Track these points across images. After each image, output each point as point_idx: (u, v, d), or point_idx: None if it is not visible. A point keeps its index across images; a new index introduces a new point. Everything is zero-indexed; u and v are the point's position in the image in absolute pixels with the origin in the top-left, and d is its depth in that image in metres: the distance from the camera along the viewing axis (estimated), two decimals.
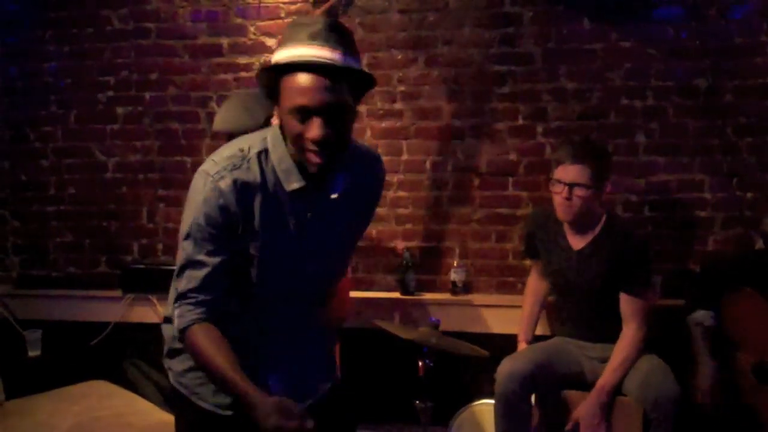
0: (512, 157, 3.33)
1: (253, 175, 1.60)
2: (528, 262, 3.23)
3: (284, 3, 3.42)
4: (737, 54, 3.13)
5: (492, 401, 2.69)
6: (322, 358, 1.91)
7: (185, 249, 1.60)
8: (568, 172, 2.62)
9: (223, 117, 2.49)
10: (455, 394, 3.11)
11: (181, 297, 1.60)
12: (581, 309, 2.79)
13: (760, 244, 3.15)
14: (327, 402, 1.88)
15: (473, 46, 3.31)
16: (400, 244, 3.44)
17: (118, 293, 3.55)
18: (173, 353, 1.82)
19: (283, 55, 1.52)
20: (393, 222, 3.44)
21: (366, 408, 3.00)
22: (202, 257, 1.58)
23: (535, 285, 3.03)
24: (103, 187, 3.64)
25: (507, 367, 2.63)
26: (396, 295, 3.39)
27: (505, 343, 3.00)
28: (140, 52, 3.55)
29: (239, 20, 3.46)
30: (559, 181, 2.64)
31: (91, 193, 3.65)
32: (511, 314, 3.14)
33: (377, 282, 3.48)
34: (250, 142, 1.65)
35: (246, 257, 1.65)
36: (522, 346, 2.96)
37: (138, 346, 3.53)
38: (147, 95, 3.56)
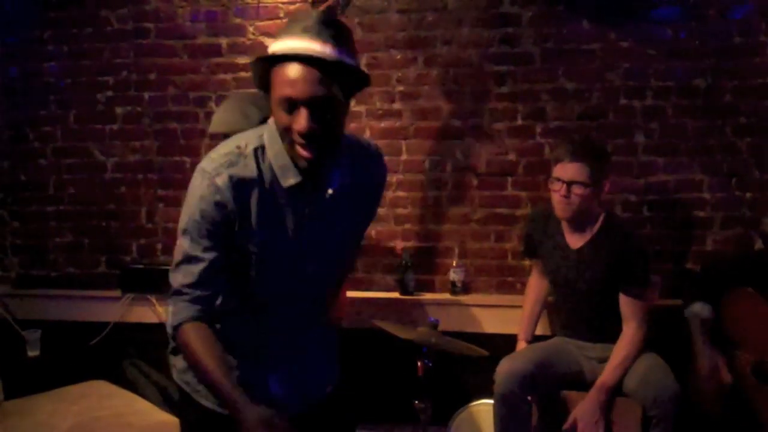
0: (511, 157, 3.33)
1: (250, 171, 1.60)
2: (528, 261, 3.23)
3: (283, 3, 3.42)
4: (737, 54, 3.13)
5: (491, 401, 2.69)
6: (324, 360, 1.90)
7: (182, 245, 1.61)
8: (566, 170, 2.62)
9: (219, 119, 2.50)
10: (454, 394, 3.11)
11: (176, 293, 1.60)
12: (580, 309, 2.79)
13: (759, 244, 3.15)
14: (328, 402, 1.88)
15: (472, 46, 3.31)
16: (399, 244, 3.44)
17: (117, 293, 3.56)
18: (177, 350, 1.81)
19: (275, 47, 1.53)
20: (392, 222, 3.44)
21: (365, 408, 3.00)
22: (198, 253, 1.58)
23: (536, 284, 3.03)
24: (103, 187, 3.64)
25: (506, 367, 2.63)
26: (395, 295, 3.39)
27: (505, 343, 3.00)
28: (139, 52, 3.55)
29: (238, 20, 3.46)
30: (558, 179, 2.64)
31: (90, 193, 3.65)
32: (511, 314, 3.15)
33: (376, 282, 3.48)
34: (247, 139, 1.65)
35: (244, 255, 1.65)
36: (521, 344, 2.96)
37: (137, 346, 3.54)
38: (146, 95, 3.56)
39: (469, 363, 2.90)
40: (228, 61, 3.49)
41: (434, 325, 2.53)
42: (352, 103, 3.54)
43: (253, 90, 1.69)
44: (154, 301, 3.43)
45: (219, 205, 1.58)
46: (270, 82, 1.54)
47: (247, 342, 1.76)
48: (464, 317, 3.33)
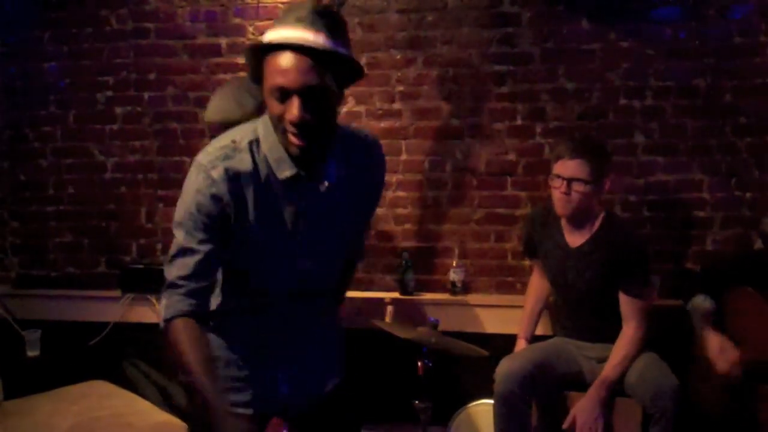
0: (511, 157, 3.33)
1: (245, 164, 1.60)
2: (528, 261, 3.23)
3: (282, 3, 3.41)
4: (736, 54, 3.13)
5: (491, 401, 2.69)
6: (329, 357, 1.90)
7: (177, 238, 1.60)
8: (567, 167, 2.62)
9: (214, 107, 2.52)
10: (454, 394, 3.11)
11: (171, 286, 1.58)
12: (579, 308, 2.79)
13: (759, 243, 3.15)
14: (332, 401, 1.88)
15: (472, 46, 3.31)
16: (399, 245, 3.44)
17: (117, 293, 3.56)
18: None
19: (269, 36, 1.52)
20: (392, 222, 3.44)
21: (365, 408, 3.00)
22: (194, 245, 1.58)
23: (537, 283, 3.03)
24: (102, 187, 3.64)
25: (506, 367, 2.63)
26: (395, 295, 3.39)
27: (504, 343, 3.00)
28: (139, 52, 3.55)
29: (238, 20, 3.46)
30: (558, 176, 2.64)
31: (90, 193, 3.65)
32: (510, 314, 3.15)
33: (376, 282, 3.48)
34: (242, 133, 1.65)
35: (241, 249, 1.65)
36: (521, 343, 2.96)
37: (137, 346, 3.53)
38: (146, 95, 3.56)
39: (469, 363, 2.91)
40: (228, 61, 3.49)
41: (434, 325, 2.53)
42: (352, 103, 3.57)
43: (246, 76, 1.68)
44: (154, 301, 3.43)
45: (215, 198, 1.57)
46: (263, 71, 1.54)
47: (252, 341, 1.76)
48: (464, 317, 3.33)
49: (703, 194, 3.21)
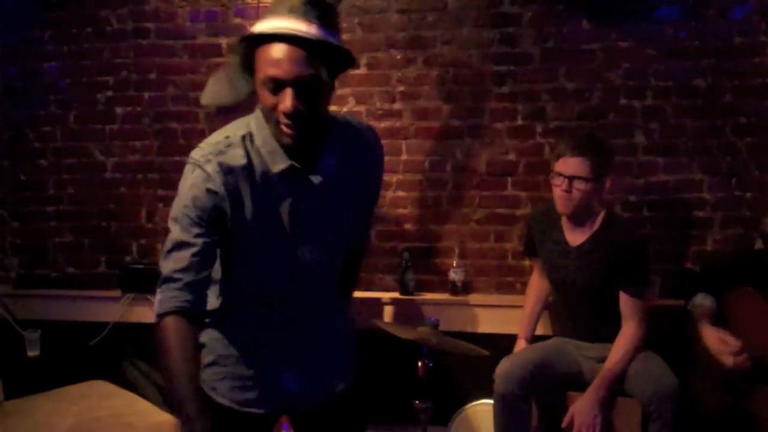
0: (511, 157, 3.33)
1: (239, 159, 1.60)
2: (528, 261, 3.23)
3: None
4: (737, 54, 3.13)
5: (491, 401, 2.69)
6: (336, 357, 1.89)
7: (172, 233, 1.59)
8: (568, 164, 2.62)
9: (209, 91, 2.53)
10: (454, 394, 3.11)
11: (166, 280, 1.57)
12: (579, 308, 2.79)
13: (759, 243, 3.15)
14: (341, 401, 1.88)
15: (472, 46, 3.31)
16: (399, 245, 3.44)
17: (117, 293, 3.56)
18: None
19: (261, 26, 1.52)
20: (392, 222, 3.44)
21: (365, 408, 3.00)
22: (189, 239, 1.57)
23: (537, 283, 3.03)
24: (103, 187, 3.64)
25: (505, 367, 2.63)
26: (395, 295, 3.39)
27: (505, 343, 3.00)
28: (139, 52, 3.55)
29: (238, 20, 3.46)
30: (560, 174, 2.64)
31: (90, 193, 3.65)
32: (511, 314, 3.15)
33: (376, 282, 3.48)
34: (235, 129, 1.65)
35: (240, 245, 1.65)
36: (521, 343, 2.96)
37: (137, 346, 3.53)
38: (146, 95, 3.56)
39: (469, 363, 2.91)
40: (228, 61, 3.48)
41: (434, 325, 2.53)
42: (353, 103, 3.57)
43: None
44: (154, 301, 3.42)
45: (210, 192, 1.58)
46: (254, 62, 1.54)
47: (256, 340, 1.76)
48: (464, 317, 3.33)
49: (704, 194, 3.21)
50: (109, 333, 3.53)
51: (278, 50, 1.48)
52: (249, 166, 1.60)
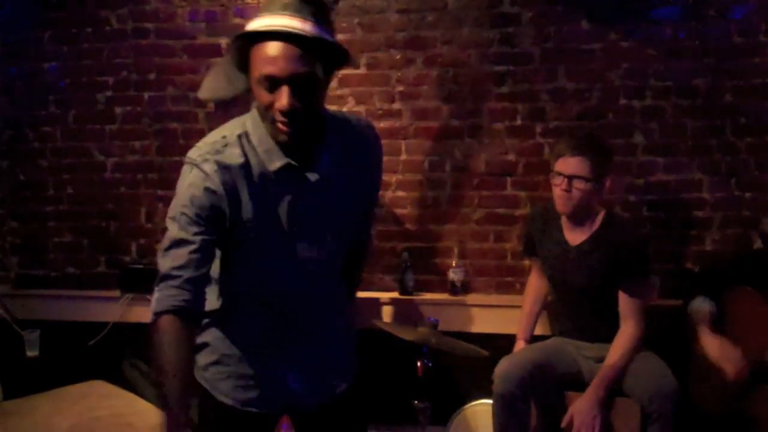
0: (511, 157, 3.33)
1: (236, 158, 1.60)
2: (527, 261, 3.23)
3: None
4: (736, 54, 3.13)
5: (490, 401, 2.68)
6: (337, 357, 1.88)
7: (170, 231, 1.59)
8: (568, 164, 2.62)
9: (207, 85, 2.54)
10: (453, 394, 3.11)
11: (165, 278, 1.55)
12: (579, 307, 2.79)
13: (758, 243, 3.15)
14: (342, 402, 1.88)
15: (472, 46, 3.31)
16: (398, 245, 3.43)
17: (116, 293, 3.56)
18: (196, 349, 1.81)
19: (255, 24, 1.52)
20: (391, 222, 3.43)
21: (366, 408, 3.00)
22: (187, 236, 1.56)
23: (535, 283, 3.03)
24: (102, 187, 3.64)
25: (504, 367, 2.63)
26: (395, 295, 3.39)
27: (504, 343, 3.00)
28: (139, 52, 3.55)
29: (238, 20, 3.46)
30: (560, 173, 2.64)
31: (89, 193, 3.65)
32: (510, 314, 3.15)
33: (376, 282, 3.48)
34: (231, 128, 1.65)
35: (240, 245, 1.65)
36: (520, 344, 2.96)
37: (137, 346, 3.52)
38: (146, 95, 3.56)
39: (469, 363, 2.90)
40: (225, 56, 3.48)
41: (434, 325, 2.53)
42: (352, 103, 3.57)
43: None
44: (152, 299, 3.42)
45: (209, 191, 1.57)
46: (249, 60, 1.54)
47: (257, 339, 1.76)
48: (464, 317, 3.33)
49: (703, 194, 3.21)
50: (108, 333, 3.52)
51: (273, 48, 1.48)
52: (246, 165, 1.60)
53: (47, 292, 3.68)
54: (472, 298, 3.37)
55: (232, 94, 1.95)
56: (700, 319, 2.66)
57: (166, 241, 1.59)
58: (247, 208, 1.61)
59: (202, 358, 1.80)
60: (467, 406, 2.99)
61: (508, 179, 3.34)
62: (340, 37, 3.40)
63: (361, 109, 3.37)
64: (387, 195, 3.39)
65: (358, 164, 1.73)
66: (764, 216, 3.17)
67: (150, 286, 1.59)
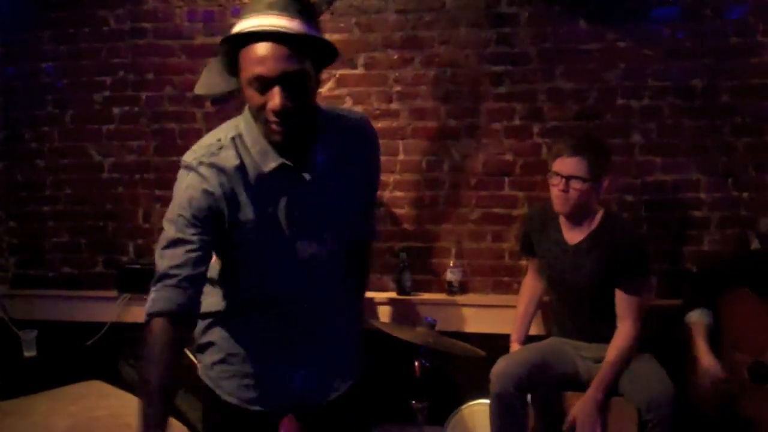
0: (508, 157, 3.33)
1: (231, 160, 1.60)
2: (524, 261, 3.23)
3: None
4: (734, 54, 3.13)
5: (487, 401, 2.69)
6: (341, 357, 1.88)
7: (167, 232, 1.59)
8: (565, 164, 2.62)
9: (202, 82, 2.55)
10: (451, 394, 3.11)
11: (162, 277, 1.56)
12: (576, 307, 2.79)
13: (756, 244, 3.15)
14: (345, 402, 1.87)
15: (469, 46, 3.31)
16: (396, 244, 3.43)
17: (114, 293, 3.55)
18: (202, 348, 1.83)
19: (241, 25, 1.51)
20: (389, 222, 3.43)
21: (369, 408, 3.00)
22: (184, 236, 1.56)
23: (530, 284, 3.03)
24: (100, 187, 3.63)
25: (502, 367, 2.63)
26: (392, 295, 3.39)
27: (501, 343, 3.00)
28: (137, 52, 3.54)
29: (235, 20, 3.43)
30: (557, 174, 2.64)
31: (87, 193, 3.65)
32: (507, 314, 3.14)
33: (373, 282, 3.45)
34: (225, 131, 1.65)
35: (240, 248, 1.64)
36: (514, 346, 2.96)
37: (134, 347, 3.51)
38: (143, 95, 3.56)
39: (466, 363, 2.90)
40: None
41: (431, 325, 2.53)
42: (350, 102, 3.56)
43: None
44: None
45: (206, 193, 1.58)
46: (238, 63, 1.53)
47: (261, 339, 1.76)
48: (461, 317, 3.33)
49: (701, 194, 3.21)
50: (106, 333, 3.52)
51: (262, 48, 1.47)
52: (242, 167, 1.60)
53: (45, 292, 3.67)
54: (469, 298, 3.37)
55: (228, 89, 1.96)
56: (696, 332, 2.66)
57: (162, 241, 1.59)
58: (245, 210, 1.61)
59: (208, 357, 1.81)
60: (465, 406, 2.99)
61: (506, 179, 3.34)
62: (337, 37, 3.43)
63: (359, 109, 3.35)
64: (384, 195, 3.39)
65: (354, 160, 1.73)
66: (762, 216, 3.17)
67: (148, 286, 1.59)
